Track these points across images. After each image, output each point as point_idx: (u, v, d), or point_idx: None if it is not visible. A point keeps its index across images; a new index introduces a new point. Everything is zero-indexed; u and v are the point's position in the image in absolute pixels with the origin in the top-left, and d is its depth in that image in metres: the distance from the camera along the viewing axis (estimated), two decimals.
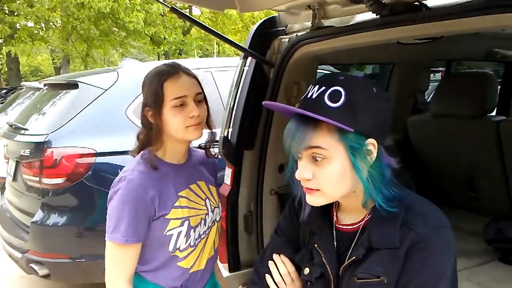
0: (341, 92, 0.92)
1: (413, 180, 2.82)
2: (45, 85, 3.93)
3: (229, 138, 2.00)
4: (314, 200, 0.97)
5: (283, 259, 1.16)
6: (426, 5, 1.32)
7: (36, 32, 15.01)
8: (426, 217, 0.94)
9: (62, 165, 2.82)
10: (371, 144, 0.93)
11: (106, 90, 3.15)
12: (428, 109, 2.71)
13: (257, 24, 2.01)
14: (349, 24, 1.65)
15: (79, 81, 3.24)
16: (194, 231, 1.36)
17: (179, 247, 1.33)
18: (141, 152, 1.35)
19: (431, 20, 1.30)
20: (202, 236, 1.40)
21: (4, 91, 13.20)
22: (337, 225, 1.05)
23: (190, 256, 1.36)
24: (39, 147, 2.91)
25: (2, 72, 18.67)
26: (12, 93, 10.68)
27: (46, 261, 2.86)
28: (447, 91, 2.54)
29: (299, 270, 1.14)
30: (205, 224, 1.41)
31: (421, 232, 0.90)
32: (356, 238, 0.99)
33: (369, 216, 0.98)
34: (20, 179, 3.19)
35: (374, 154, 0.93)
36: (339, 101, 0.91)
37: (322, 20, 1.71)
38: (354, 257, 0.96)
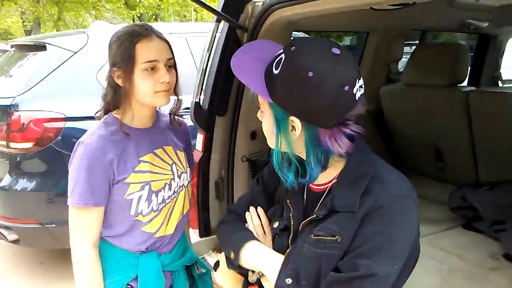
0: (281, 61, 0.93)
1: (385, 149, 2.88)
2: (12, 46, 3.77)
3: (201, 104, 1.98)
4: (267, 141, 1.05)
5: (258, 212, 1.20)
6: None
7: None
8: (387, 185, 0.95)
9: (30, 129, 2.75)
10: (294, 123, 0.94)
11: (75, 52, 3.06)
12: (400, 79, 2.73)
13: None
14: None
15: (47, 43, 3.12)
16: (157, 196, 1.34)
17: (141, 212, 1.32)
18: (105, 116, 1.32)
19: None
20: (167, 201, 1.39)
21: None
22: (309, 184, 1.08)
23: (154, 220, 1.35)
24: (6, 110, 2.82)
25: None
26: None
27: (15, 226, 2.83)
28: (419, 61, 2.55)
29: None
30: (170, 189, 1.39)
31: (379, 198, 0.92)
32: (322, 199, 1.02)
33: (336, 179, 1.00)
34: None
35: (298, 132, 0.95)
36: (278, 69, 0.93)
37: None
38: (315, 216, 0.99)
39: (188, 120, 1.71)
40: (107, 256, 1.34)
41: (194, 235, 2.13)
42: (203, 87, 1.98)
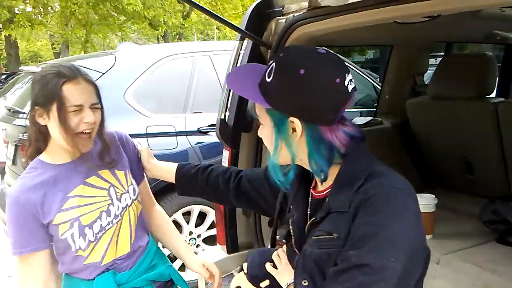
0: (272, 69, 0.98)
1: (412, 162, 2.84)
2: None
3: (226, 120, 2.00)
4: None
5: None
6: None
7: (35, 16, 14.89)
8: (381, 180, 0.96)
9: None
10: (294, 123, 0.97)
11: (103, 73, 3.13)
12: (427, 91, 2.70)
13: (253, 4, 1.99)
14: (347, 3, 1.63)
15: (77, 65, 3.21)
16: (91, 228, 1.31)
17: (80, 247, 1.30)
18: (30, 162, 1.31)
19: None
20: (107, 228, 1.34)
21: (3, 76, 13.20)
22: (312, 191, 1.12)
23: (94, 250, 1.33)
24: None
25: (1, 57, 18.58)
26: (11, 78, 10.67)
27: None
28: (446, 73, 2.52)
29: None
30: (109, 215, 1.34)
31: (369, 191, 0.93)
32: (323, 204, 1.04)
33: (333, 182, 1.03)
34: (19, 162, 3.19)
35: (298, 133, 0.98)
36: (270, 76, 0.98)
37: (319, 0, 1.69)
38: (314, 219, 1.03)
39: (213, 137, 1.73)
40: (68, 285, 1.38)
41: (222, 252, 2.14)
42: (228, 104, 2.00)
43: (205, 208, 3.25)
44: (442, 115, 2.58)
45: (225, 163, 2.09)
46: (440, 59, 2.81)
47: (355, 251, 0.90)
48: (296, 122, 0.97)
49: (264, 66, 1.07)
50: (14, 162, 3.32)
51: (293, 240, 1.13)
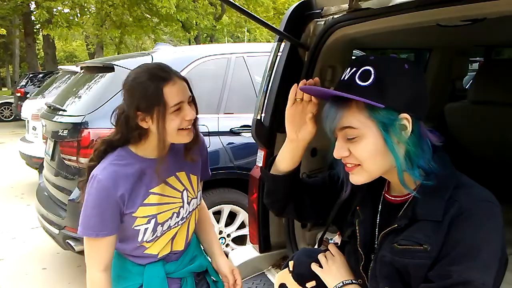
0: (370, 71, 0.95)
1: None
2: (81, 68, 4.03)
3: (262, 121, 2.01)
4: (356, 178, 1.01)
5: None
6: None
7: (72, 18, 15.33)
8: (471, 191, 0.94)
9: None
10: (405, 119, 0.94)
11: None
12: (466, 96, 2.64)
13: (293, 6, 2.00)
14: (388, 5, 1.62)
15: (115, 64, 3.30)
16: (162, 226, 1.38)
17: (146, 240, 1.37)
18: (118, 148, 1.34)
19: (474, 1, 1.27)
20: (173, 227, 1.42)
21: (41, 75, 13.63)
22: (386, 194, 1.08)
23: (156, 242, 1.40)
24: (77, 128, 3.00)
25: (38, 57, 19.19)
26: (48, 77, 11.03)
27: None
28: (488, 77, 2.46)
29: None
30: (178, 216, 1.42)
31: (464, 204, 0.91)
32: (402, 209, 1.01)
33: (418, 189, 0.99)
34: (58, 158, 3.30)
35: (409, 129, 0.95)
36: (369, 79, 0.95)
37: (359, 2, 1.68)
38: (396, 225, 0.98)
39: (249, 138, 1.74)
40: (119, 264, 1.42)
41: (253, 251, 2.15)
42: (265, 105, 2.01)
43: (235, 208, 3.28)
44: (483, 121, 2.51)
45: (259, 163, 2.10)
46: (477, 64, 2.75)
47: (456, 267, 0.88)
48: (408, 117, 0.94)
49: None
50: (52, 157, 3.43)
51: (358, 241, 1.10)
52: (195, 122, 1.36)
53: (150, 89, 1.24)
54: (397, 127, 0.94)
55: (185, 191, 1.43)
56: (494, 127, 2.46)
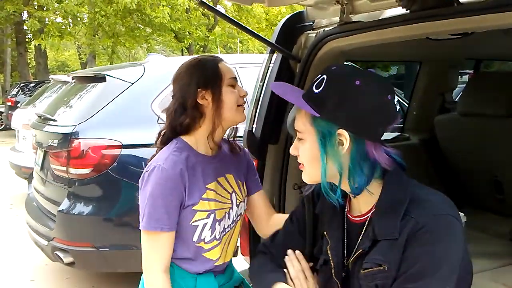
0: (323, 79, 0.97)
1: (439, 180, 2.79)
2: (73, 78, 4.02)
3: (254, 132, 2.01)
4: (303, 176, 1.05)
5: (298, 256, 1.17)
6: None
7: (64, 27, 15.33)
8: (427, 206, 0.93)
9: (88, 156, 2.88)
10: (342, 135, 0.95)
11: (132, 83, 3.21)
12: (456, 108, 2.66)
13: (284, 18, 2.01)
14: (378, 19, 1.63)
15: (106, 75, 3.30)
16: (219, 224, 1.36)
17: (204, 239, 1.33)
18: (174, 140, 1.34)
19: (462, 15, 1.29)
20: (227, 230, 1.41)
21: (32, 84, 13.57)
22: (348, 215, 1.07)
23: (216, 249, 1.37)
24: (67, 138, 2.98)
25: (30, 66, 19.11)
26: (40, 87, 10.97)
27: (71, 249, 2.92)
28: (476, 90, 2.49)
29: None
30: (229, 218, 1.41)
31: (420, 220, 0.90)
32: (363, 230, 1.01)
33: (374, 207, 0.99)
34: (47, 168, 3.27)
35: (346, 146, 0.95)
36: (320, 87, 0.97)
37: (350, 15, 1.70)
38: (361, 250, 0.98)
39: None
40: (177, 274, 1.35)
41: (245, 262, 2.13)
42: (256, 116, 2.01)
43: None
44: (472, 133, 2.54)
45: None
46: (466, 76, 2.78)
47: (413, 284, 0.88)
48: (345, 135, 0.94)
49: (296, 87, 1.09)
50: (42, 167, 3.40)
51: (332, 270, 1.06)
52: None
53: (208, 65, 1.33)
54: (333, 141, 0.95)
55: (233, 193, 1.44)
56: (483, 139, 2.49)
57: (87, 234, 2.95)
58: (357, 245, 1.00)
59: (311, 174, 1.02)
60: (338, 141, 0.95)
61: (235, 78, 1.35)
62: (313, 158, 0.99)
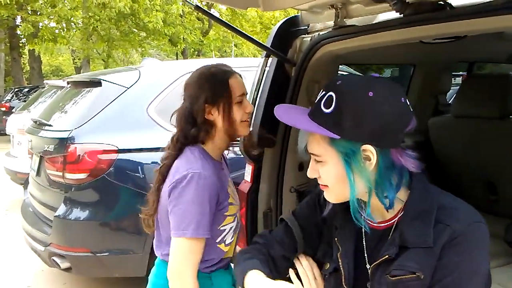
0: (333, 98, 0.93)
1: (434, 182, 2.81)
2: (68, 82, 4.02)
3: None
4: (327, 197, 1.02)
5: (306, 257, 1.17)
6: (450, 4, 1.33)
7: (58, 32, 15.28)
8: (460, 214, 0.93)
9: (84, 161, 2.88)
10: (368, 151, 0.92)
11: (128, 88, 3.21)
12: (449, 110, 2.69)
13: (279, 23, 2.03)
14: (372, 23, 1.66)
15: (102, 79, 3.30)
16: (237, 226, 1.45)
17: (225, 241, 1.38)
18: (188, 148, 1.35)
19: (455, 19, 1.31)
20: (236, 230, 1.48)
21: (26, 89, 13.51)
22: (367, 221, 1.04)
23: (230, 247, 1.44)
24: (63, 143, 2.98)
25: (24, 71, 19.02)
26: (34, 92, 10.93)
27: (67, 254, 2.92)
28: (469, 92, 2.52)
29: (320, 265, 1.15)
30: (238, 218, 1.49)
31: (456, 228, 0.90)
32: (388, 236, 0.98)
33: (401, 214, 0.97)
34: (43, 174, 3.26)
35: (373, 160, 0.92)
36: (330, 106, 0.93)
37: (344, 19, 1.72)
38: (387, 256, 0.95)
39: (237, 152, 1.77)
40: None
41: None
42: (252, 120, 2.02)
43: None
44: (465, 134, 2.56)
45: (247, 177, 2.10)
46: (460, 78, 2.81)
47: None
48: (371, 149, 0.91)
49: (291, 105, 1.09)
50: (38, 173, 3.39)
51: (343, 277, 1.03)
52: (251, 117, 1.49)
53: (217, 80, 1.33)
54: (359, 158, 0.92)
55: (236, 195, 1.50)
56: (477, 141, 2.51)
57: (84, 239, 2.94)
58: (381, 252, 0.97)
59: (338, 194, 0.99)
60: (364, 157, 0.92)
61: (244, 94, 1.36)
62: (338, 178, 0.95)
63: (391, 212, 0.99)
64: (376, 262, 0.97)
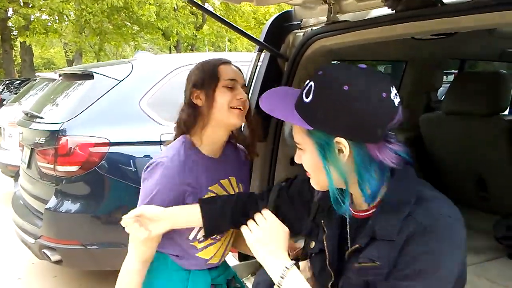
0: (311, 88, 0.94)
1: (424, 178, 2.84)
2: (60, 75, 3.99)
3: (242, 130, 2.03)
4: (311, 182, 1.04)
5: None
6: (441, 0, 1.34)
7: (50, 24, 15.15)
8: (430, 206, 0.93)
9: (76, 154, 2.87)
10: (341, 143, 0.92)
11: (120, 81, 3.19)
12: (441, 107, 2.71)
13: (272, 18, 2.03)
14: (364, 18, 1.66)
15: (94, 72, 3.28)
16: None
17: (198, 239, 1.34)
18: (181, 138, 1.36)
19: (446, 16, 1.32)
20: (225, 233, 1.42)
21: (17, 82, 13.40)
22: (350, 209, 1.05)
23: (208, 248, 1.38)
24: (54, 135, 2.96)
25: (15, 63, 18.85)
26: (25, 84, 10.84)
27: (58, 247, 2.91)
28: (460, 89, 2.54)
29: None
30: None
31: (421, 221, 0.90)
32: (365, 226, 1.00)
33: (378, 205, 0.98)
34: (34, 166, 3.25)
35: (346, 153, 0.92)
36: (309, 96, 0.94)
37: (337, 15, 1.73)
38: (357, 245, 0.98)
39: None
40: (159, 269, 1.37)
41: (233, 259, 2.15)
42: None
43: None
44: (456, 131, 2.59)
45: None
46: (451, 76, 2.83)
47: (409, 282, 0.88)
48: (343, 142, 0.91)
49: (291, 88, 1.06)
50: (29, 165, 3.37)
51: (327, 258, 1.07)
52: (250, 113, 1.41)
53: (207, 66, 1.35)
54: (332, 150, 0.93)
55: None
56: (468, 137, 2.53)
57: (75, 232, 2.93)
58: (355, 240, 1.00)
59: (319, 182, 1.01)
60: (338, 149, 0.93)
61: (235, 80, 1.33)
62: (316, 167, 0.98)
63: (372, 203, 1.01)
64: (350, 249, 1.01)
